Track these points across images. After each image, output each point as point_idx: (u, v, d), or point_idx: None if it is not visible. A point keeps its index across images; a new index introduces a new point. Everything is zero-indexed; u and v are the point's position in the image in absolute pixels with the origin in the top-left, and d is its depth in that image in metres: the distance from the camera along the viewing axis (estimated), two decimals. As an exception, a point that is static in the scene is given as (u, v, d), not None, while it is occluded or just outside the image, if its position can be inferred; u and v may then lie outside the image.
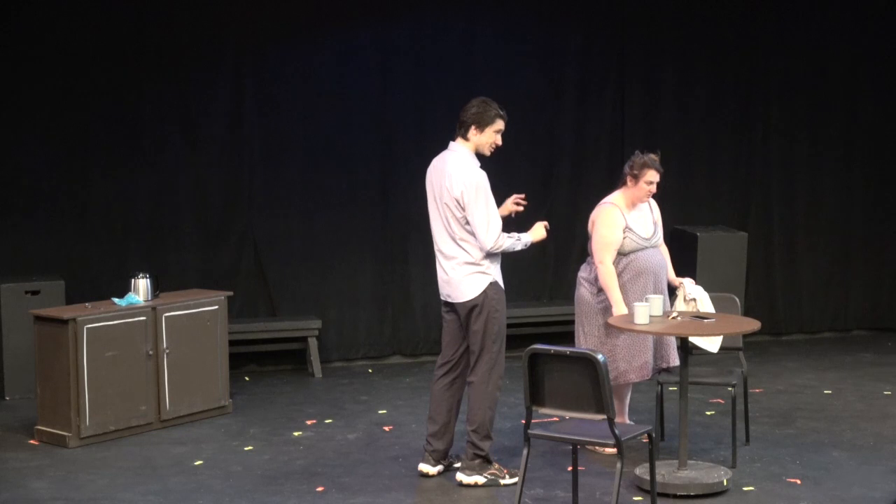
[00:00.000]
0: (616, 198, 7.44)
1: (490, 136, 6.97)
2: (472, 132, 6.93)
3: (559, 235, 10.22)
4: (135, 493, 6.90)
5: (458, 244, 6.91)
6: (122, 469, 7.36)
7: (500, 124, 6.97)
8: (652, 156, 7.42)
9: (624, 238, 7.33)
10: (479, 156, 6.98)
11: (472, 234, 6.87)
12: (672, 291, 7.47)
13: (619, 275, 7.32)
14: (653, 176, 7.36)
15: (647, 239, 7.39)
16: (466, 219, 6.86)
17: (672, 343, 7.38)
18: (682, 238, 10.24)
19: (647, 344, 7.30)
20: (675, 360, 7.38)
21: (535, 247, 10.01)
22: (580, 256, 7.54)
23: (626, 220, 7.36)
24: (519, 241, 6.95)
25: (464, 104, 6.96)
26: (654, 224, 7.48)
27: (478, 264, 6.90)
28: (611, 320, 7.05)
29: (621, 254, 7.34)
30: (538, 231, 7.07)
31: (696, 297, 7.30)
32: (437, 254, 7.04)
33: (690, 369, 7.02)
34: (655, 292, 7.28)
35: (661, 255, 7.48)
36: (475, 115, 6.92)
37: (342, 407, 8.81)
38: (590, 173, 10.44)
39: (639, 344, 7.30)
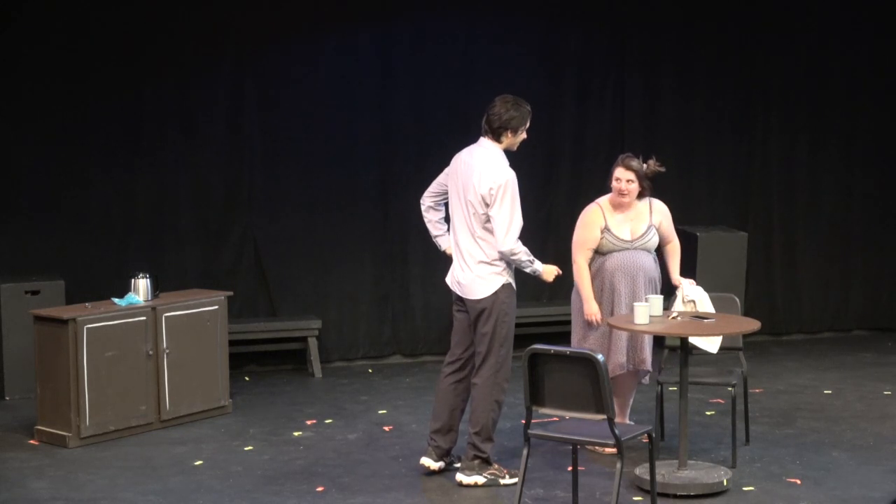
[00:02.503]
0: (603, 198, 7.50)
1: (522, 135, 6.99)
2: (507, 135, 6.92)
3: (559, 236, 10.22)
4: (135, 493, 6.90)
5: (476, 241, 6.90)
6: (122, 469, 7.36)
7: (528, 121, 6.98)
8: (652, 162, 7.44)
9: (601, 238, 7.35)
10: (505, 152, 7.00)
11: (492, 232, 6.85)
12: (673, 292, 7.48)
13: (595, 274, 7.39)
14: (619, 172, 7.39)
15: (628, 241, 7.39)
16: (488, 216, 6.84)
17: (646, 346, 7.39)
18: (682, 238, 10.19)
19: (619, 344, 7.35)
20: (647, 365, 7.39)
21: (534, 247, 10.07)
22: (580, 256, 7.54)
23: (607, 220, 7.38)
24: (532, 263, 6.92)
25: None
26: (650, 227, 7.47)
27: (493, 264, 6.89)
28: (611, 320, 7.08)
29: (599, 253, 7.38)
30: (551, 270, 7.03)
31: (694, 298, 7.30)
32: (455, 246, 7.03)
33: (690, 369, 7.02)
34: (629, 293, 7.30)
35: (646, 258, 7.43)
36: (510, 121, 6.88)
37: (342, 407, 8.81)
38: (590, 173, 10.43)
39: (608, 342, 7.33)
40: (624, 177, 7.37)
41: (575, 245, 7.45)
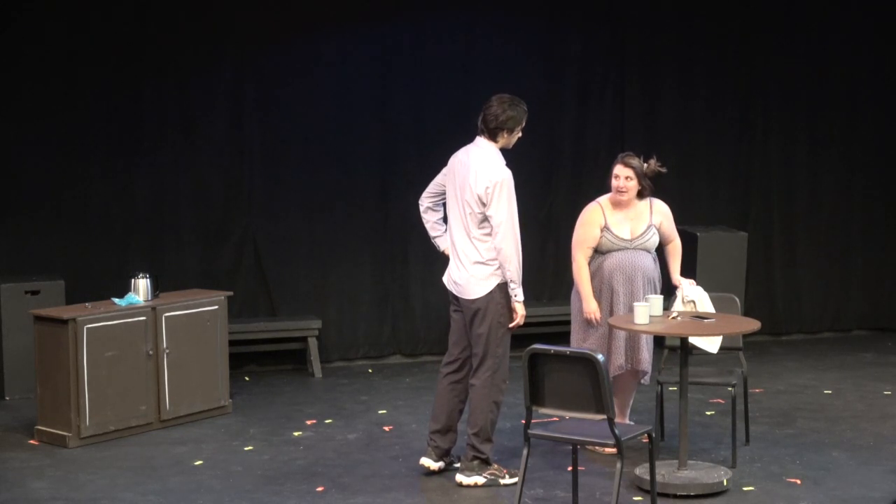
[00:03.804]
0: (604, 197, 7.50)
1: (518, 134, 6.99)
2: (503, 135, 6.93)
3: (559, 236, 10.22)
4: (135, 493, 6.90)
5: (471, 241, 6.90)
6: (122, 469, 7.36)
7: (525, 120, 6.99)
8: (653, 162, 7.44)
9: (601, 237, 7.36)
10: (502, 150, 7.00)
11: (488, 233, 6.84)
12: (673, 292, 7.48)
13: (594, 273, 7.39)
14: (617, 170, 7.39)
15: (627, 240, 7.39)
16: (483, 217, 6.84)
17: (644, 346, 7.39)
18: (682, 238, 10.19)
19: (618, 344, 7.35)
20: (645, 365, 7.40)
21: (534, 247, 10.10)
22: (580, 257, 7.54)
23: (607, 219, 7.38)
24: (516, 284, 6.86)
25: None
26: (649, 226, 7.47)
27: (488, 264, 6.88)
28: (611, 320, 7.07)
29: (598, 252, 7.38)
30: (521, 309, 6.93)
31: (694, 298, 7.30)
32: (451, 246, 7.03)
33: (690, 369, 7.02)
34: (628, 293, 7.30)
35: (645, 258, 7.42)
36: (507, 121, 6.88)
37: (342, 407, 8.82)
38: (590, 173, 10.42)
39: (608, 343, 7.33)
40: (622, 174, 7.37)
41: (575, 243, 7.45)
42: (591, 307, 7.33)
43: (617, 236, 7.38)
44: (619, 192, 7.39)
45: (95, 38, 9.42)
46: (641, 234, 7.44)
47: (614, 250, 7.37)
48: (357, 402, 8.95)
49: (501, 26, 10.34)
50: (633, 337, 7.32)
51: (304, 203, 10.01)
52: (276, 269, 9.99)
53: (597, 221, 7.39)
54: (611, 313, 7.31)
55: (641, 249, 7.42)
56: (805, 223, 11.12)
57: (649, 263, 7.44)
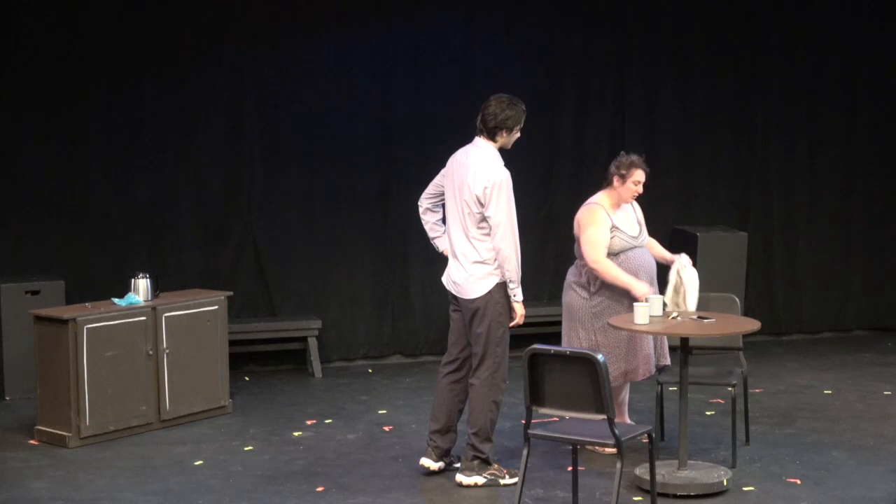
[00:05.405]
0: (600, 198, 7.46)
1: (516, 134, 6.99)
2: (502, 135, 6.93)
3: (559, 236, 10.22)
4: (135, 493, 6.90)
5: (470, 241, 6.90)
6: (122, 469, 7.36)
7: (523, 120, 6.99)
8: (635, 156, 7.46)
9: (612, 238, 7.34)
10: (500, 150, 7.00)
11: (486, 233, 6.85)
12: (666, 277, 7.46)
13: None
14: (640, 175, 7.37)
15: (634, 238, 7.40)
16: (482, 217, 6.84)
17: (666, 342, 7.40)
18: (683, 238, 10.23)
19: (645, 341, 7.34)
20: (667, 360, 7.41)
21: (534, 247, 10.10)
22: (579, 256, 7.53)
23: (612, 219, 7.37)
24: (516, 284, 6.87)
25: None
26: (639, 223, 7.49)
27: (487, 263, 6.88)
28: (612, 321, 7.05)
29: (611, 253, 7.36)
30: (520, 309, 6.95)
31: (685, 277, 7.22)
32: (450, 246, 7.04)
33: (690, 369, 7.02)
34: (651, 291, 7.29)
35: (650, 255, 7.48)
36: (506, 120, 6.87)
37: (342, 407, 8.82)
38: (590, 173, 10.41)
39: (639, 339, 7.31)
40: (643, 179, 7.39)
41: (591, 246, 7.30)
42: (643, 289, 7.19)
43: (628, 234, 7.38)
44: (636, 195, 7.41)
45: (95, 38, 9.42)
46: (641, 232, 7.47)
47: (627, 249, 7.36)
48: (357, 402, 8.95)
49: (501, 26, 10.35)
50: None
51: (304, 203, 10.01)
52: (276, 269, 10.00)
53: (606, 223, 7.36)
54: None
55: (644, 247, 7.46)
56: (805, 223, 11.12)
57: (654, 260, 7.50)
